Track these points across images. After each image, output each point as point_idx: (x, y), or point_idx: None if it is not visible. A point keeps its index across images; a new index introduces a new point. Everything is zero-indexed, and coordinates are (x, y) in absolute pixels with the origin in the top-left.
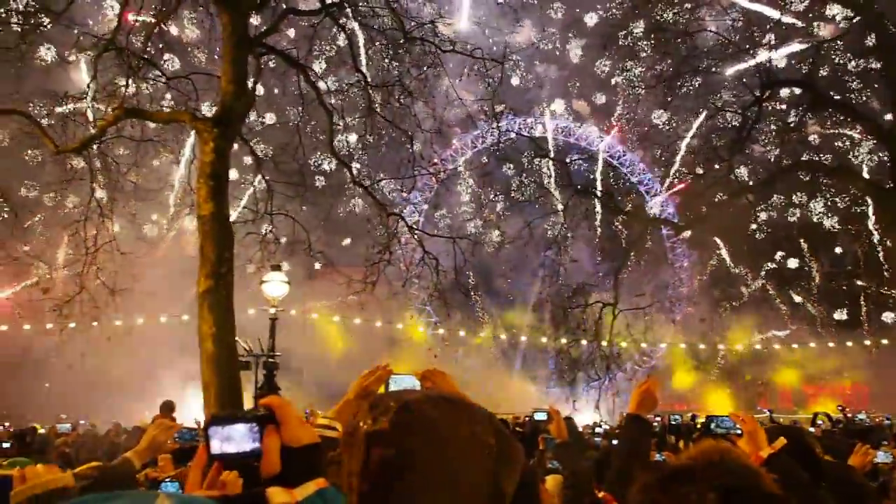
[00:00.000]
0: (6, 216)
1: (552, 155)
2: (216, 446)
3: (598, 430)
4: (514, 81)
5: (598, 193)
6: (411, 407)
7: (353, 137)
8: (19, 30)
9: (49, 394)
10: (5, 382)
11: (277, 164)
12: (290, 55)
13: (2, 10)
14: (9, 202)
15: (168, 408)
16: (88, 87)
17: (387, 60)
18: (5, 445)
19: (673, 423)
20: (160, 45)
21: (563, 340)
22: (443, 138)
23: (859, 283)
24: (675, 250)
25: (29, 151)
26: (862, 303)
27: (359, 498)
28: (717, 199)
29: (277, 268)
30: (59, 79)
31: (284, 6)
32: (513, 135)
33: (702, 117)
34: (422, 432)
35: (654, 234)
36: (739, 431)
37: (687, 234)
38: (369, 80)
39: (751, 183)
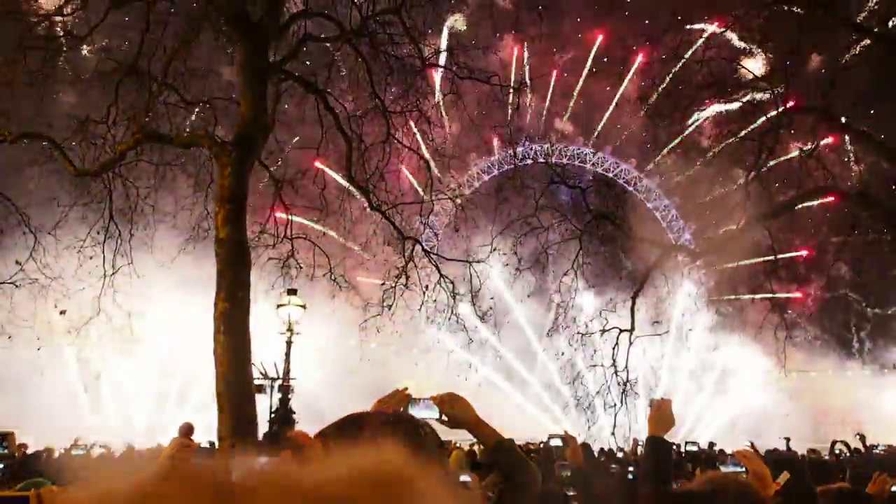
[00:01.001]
0: (25, 236)
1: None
2: None
3: (618, 455)
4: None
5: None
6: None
7: (371, 163)
8: (43, 55)
9: (65, 416)
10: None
11: (297, 188)
12: (308, 81)
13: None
14: (27, 223)
15: (187, 431)
16: (109, 111)
17: (405, 86)
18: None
19: (689, 450)
20: (181, 71)
21: (580, 366)
22: (460, 163)
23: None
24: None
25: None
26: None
27: None
28: (735, 226)
29: (293, 291)
30: (80, 103)
31: (304, 33)
32: (529, 161)
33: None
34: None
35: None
36: (743, 469)
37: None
38: (387, 106)
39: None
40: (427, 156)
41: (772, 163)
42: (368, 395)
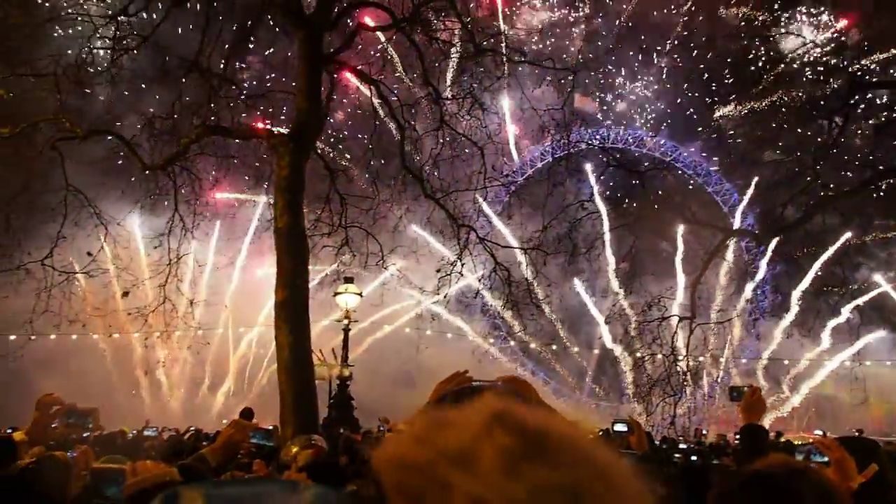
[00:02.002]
0: (96, 229)
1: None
2: None
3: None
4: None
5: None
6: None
7: (425, 151)
8: (111, 55)
9: (135, 399)
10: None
11: (351, 177)
12: (362, 71)
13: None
14: (99, 216)
15: (247, 415)
16: (173, 106)
17: (458, 73)
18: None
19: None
20: (239, 66)
21: (638, 355)
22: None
23: None
24: (756, 262)
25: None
26: None
27: None
28: (803, 209)
29: (350, 280)
30: (146, 99)
31: (357, 23)
32: (583, 145)
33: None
34: None
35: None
36: (826, 460)
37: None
38: (440, 93)
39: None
40: (480, 142)
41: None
42: (424, 382)
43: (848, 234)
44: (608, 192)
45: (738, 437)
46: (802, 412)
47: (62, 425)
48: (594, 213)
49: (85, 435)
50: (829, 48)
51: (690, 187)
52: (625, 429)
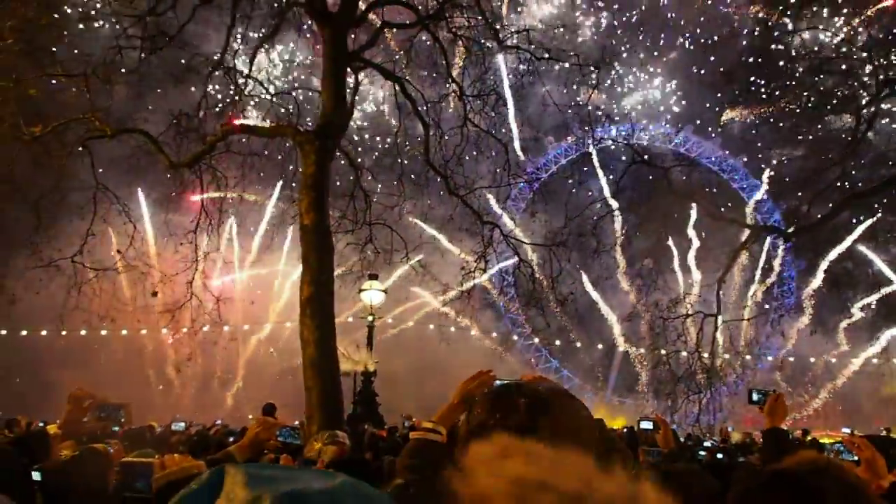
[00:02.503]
0: (125, 226)
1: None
2: None
3: (705, 444)
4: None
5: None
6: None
7: (449, 148)
8: (138, 54)
9: (163, 394)
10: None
11: (376, 174)
12: (386, 69)
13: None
14: (127, 214)
15: (270, 410)
16: (199, 105)
17: (482, 70)
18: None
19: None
20: (265, 64)
21: (663, 352)
22: (538, 145)
23: None
24: (782, 259)
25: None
26: None
27: None
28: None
29: (374, 276)
30: (172, 98)
31: (381, 21)
32: (609, 141)
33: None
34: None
35: (758, 243)
36: (855, 458)
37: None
38: (464, 90)
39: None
40: (504, 139)
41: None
42: (449, 380)
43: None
44: (629, 189)
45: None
46: (829, 410)
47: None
48: (615, 210)
49: (115, 429)
50: (857, 44)
51: (715, 190)
52: (651, 426)
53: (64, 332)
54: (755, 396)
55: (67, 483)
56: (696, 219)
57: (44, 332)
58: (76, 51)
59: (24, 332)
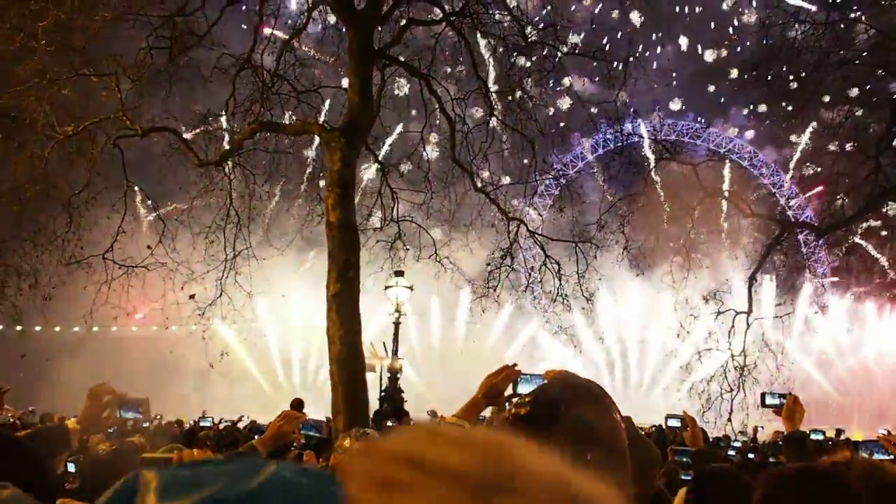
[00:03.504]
0: (155, 223)
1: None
2: None
3: (734, 443)
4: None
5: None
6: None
7: (475, 144)
8: (168, 53)
9: (192, 391)
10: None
11: (402, 172)
12: (412, 65)
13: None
14: (157, 212)
15: (297, 406)
16: (227, 104)
17: (507, 66)
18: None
19: (814, 438)
20: (292, 62)
21: (695, 350)
22: (565, 141)
23: None
24: (815, 255)
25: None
26: None
27: None
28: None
29: (400, 273)
30: (200, 97)
31: (407, 17)
32: (636, 137)
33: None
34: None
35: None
36: (891, 457)
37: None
38: (490, 86)
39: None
40: (531, 136)
41: None
42: (474, 376)
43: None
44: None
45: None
46: (863, 410)
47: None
48: (646, 206)
49: (145, 424)
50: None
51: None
52: (678, 424)
53: (95, 329)
54: (769, 400)
55: (106, 475)
56: (725, 214)
57: (76, 329)
58: (108, 51)
59: (57, 328)
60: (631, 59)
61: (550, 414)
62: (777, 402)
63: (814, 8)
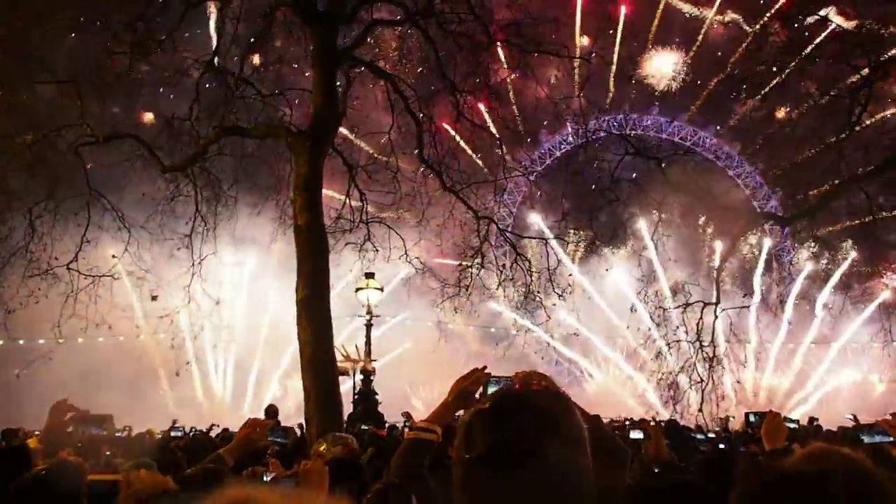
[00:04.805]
0: (120, 231)
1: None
2: None
3: (709, 435)
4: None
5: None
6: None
7: (443, 144)
8: (129, 59)
9: (162, 400)
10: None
11: (370, 172)
12: (377, 66)
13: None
14: (122, 220)
15: (272, 412)
16: (191, 108)
17: (473, 64)
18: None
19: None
20: (255, 65)
21: (663, 343)
22: (532, 138)
23: None
24: (781, 246)
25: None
26: None
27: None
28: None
29: (371, 275)
30: (163, 101)
31: (370, 18)
32: (602, 133)
33: None
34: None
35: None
36: (891, 439)
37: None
38: (456, 85)
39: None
40: (498, 133)
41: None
42: (446, 376)
43: None
44: (629, 179)
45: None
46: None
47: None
48: (615, 200)
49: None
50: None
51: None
52: (641, 436)
53: (61, 341)
54: (752, 418)
55: (41, 496)
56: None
57: (41, 341)
58: (67, 57)
59: (21, 342)
60: (593, 55)
61: (512, 457)
62: (759, 420)
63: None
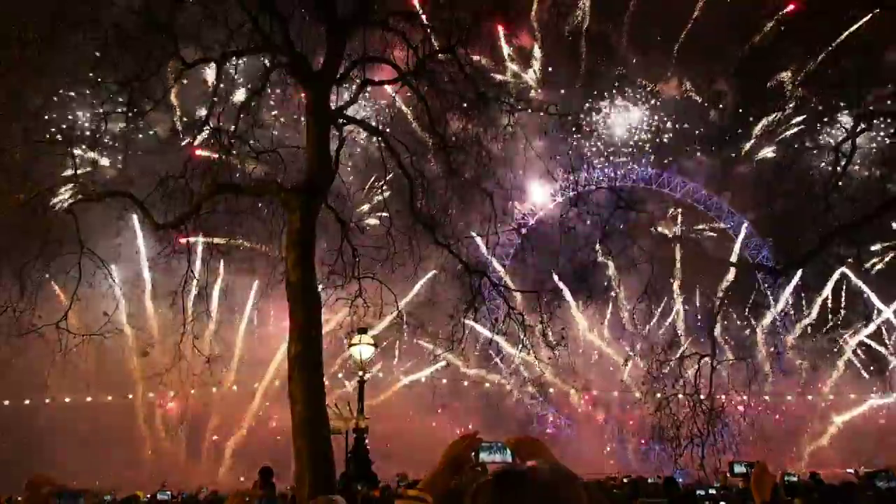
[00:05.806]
0: (111, 289)
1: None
2: None
3: (710, 491)
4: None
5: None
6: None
7: (435, 199)
8: (125, 119)
9: (150, 462)
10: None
11: (363, 228)
12: (369, 124)
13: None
14: (113, 278)
15: (266, 474)
16: (185, 166)
17: (464, 122)
18: None
19: (788, 482)
20: (249, 124)
21: (659, 396)
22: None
23: None
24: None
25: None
26: None
27: None
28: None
29: (363, 330)
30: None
31: (363, 78)
32: (592, 186)
33: None
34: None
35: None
36: None
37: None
38: (447, 141)
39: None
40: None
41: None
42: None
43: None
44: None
45: None
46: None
47: None
48: (607, 254)
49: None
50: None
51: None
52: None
53: (48, 401)
54: (737, 469)
55: None
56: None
57: (27, 402)
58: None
59: (6, 402)
60: (582, 114)
61: None
62: (744, 470)
63: None
